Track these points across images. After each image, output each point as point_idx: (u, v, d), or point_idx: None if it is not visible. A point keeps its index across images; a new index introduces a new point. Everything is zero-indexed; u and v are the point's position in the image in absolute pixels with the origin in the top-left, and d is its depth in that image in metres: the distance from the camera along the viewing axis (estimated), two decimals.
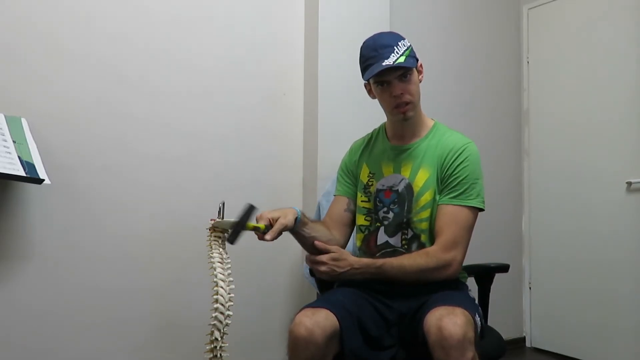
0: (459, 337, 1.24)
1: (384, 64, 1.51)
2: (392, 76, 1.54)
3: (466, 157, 1.58)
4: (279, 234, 1.45)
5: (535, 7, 3.19)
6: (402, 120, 1.61)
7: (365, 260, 1.52)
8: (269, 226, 1.44)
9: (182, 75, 2.09)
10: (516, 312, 3.17)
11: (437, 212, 1.57)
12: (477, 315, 1.43)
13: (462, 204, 1.56)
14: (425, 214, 1.59)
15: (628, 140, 2.71)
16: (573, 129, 2.95)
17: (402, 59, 1.52)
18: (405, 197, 1.61)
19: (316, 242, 1.52)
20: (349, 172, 1.76)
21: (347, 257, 1.49)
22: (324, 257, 1.47)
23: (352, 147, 1.81)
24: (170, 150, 2.06)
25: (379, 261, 1.51)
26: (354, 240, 1.75)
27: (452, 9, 2.95)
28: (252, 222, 1.44)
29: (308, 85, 2.37)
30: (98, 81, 1.91)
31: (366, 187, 1.69)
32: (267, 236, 1.43)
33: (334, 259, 1.47)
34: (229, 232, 1.42)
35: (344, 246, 1.71)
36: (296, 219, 1.50)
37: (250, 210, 1.44)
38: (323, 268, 1.47)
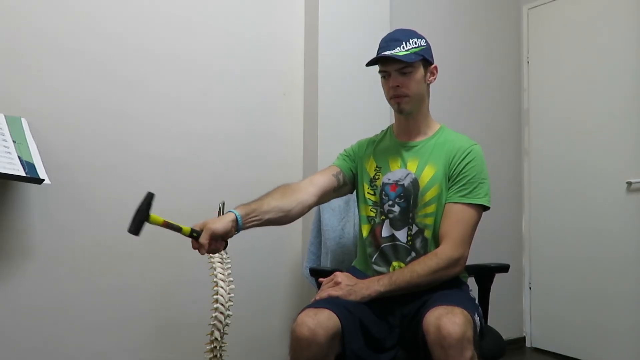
0: (457, 336, 1.24)
1: (383, 53, 1.58)
2: (392, 68, 1.60)
3: (474, 158, 1.63)
4: (210, 238, 1.37)
5: (535, 7, 3.19)
6: (397, 111, 1.67)
7: (374, 278, 1.53)
8: (200, 232, 1.37)
9: (182, 75, 2.09)
10: (516, 312, 3.17)
11: (445, 211, 1.60)
12: (476, 315, 1.43)
13: (471, 202, 1.59)
14: (431, 209, 1.61)
15: (628, 140, 2.71)
16: (573, 129, 2.96)
17: (401, 53, 1.58)
18: (411, 191, 1.63)
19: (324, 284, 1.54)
20: (353, 155, 1.79)
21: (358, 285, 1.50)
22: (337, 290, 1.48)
23: (360, 141, 1.83)
24: (170, 151, 2.06)
25: (388, 273, 1.56)
26: (357, 231, 1.76)
27: (452, 9, 2.95)
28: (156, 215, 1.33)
29: (308, 85, 2.37)
30: (98, 81, 1.91)
31: (372, 180, 1.71)
32: (201, 239, 1.35)
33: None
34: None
35: (309, 206, 1.64)
36: (237, 221, 1.43)
37: (150, 197, 1.32)
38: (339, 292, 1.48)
